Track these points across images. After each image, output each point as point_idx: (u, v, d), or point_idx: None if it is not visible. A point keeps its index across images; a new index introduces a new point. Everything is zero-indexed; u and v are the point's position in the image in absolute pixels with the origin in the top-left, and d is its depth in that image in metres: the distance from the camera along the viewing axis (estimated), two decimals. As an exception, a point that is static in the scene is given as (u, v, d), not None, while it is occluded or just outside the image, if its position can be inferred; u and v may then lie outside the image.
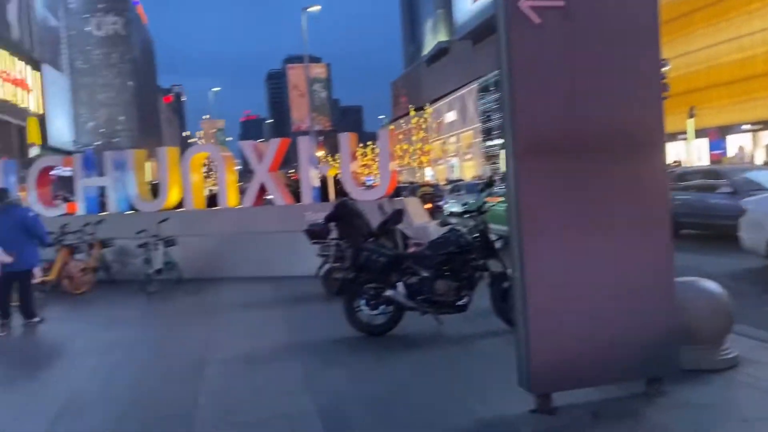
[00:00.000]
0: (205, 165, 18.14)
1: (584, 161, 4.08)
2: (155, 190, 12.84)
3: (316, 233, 9.23)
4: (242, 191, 13.32)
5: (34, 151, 47.76)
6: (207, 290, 10.18)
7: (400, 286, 6.43)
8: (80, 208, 12.78)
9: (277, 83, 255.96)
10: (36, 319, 8.16)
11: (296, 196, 12.12)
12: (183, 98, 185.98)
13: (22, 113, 48.55)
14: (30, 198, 12.97)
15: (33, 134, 50.54)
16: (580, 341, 4.11)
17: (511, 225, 4.11)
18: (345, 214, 9.06)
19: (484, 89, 65.00)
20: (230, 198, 12.19)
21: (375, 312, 6.48)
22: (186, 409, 4.63)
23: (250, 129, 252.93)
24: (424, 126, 75.15)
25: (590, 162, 4.08)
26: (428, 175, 75.56)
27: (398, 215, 9.16)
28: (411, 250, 8.70)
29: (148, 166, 14.43)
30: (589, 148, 4.07)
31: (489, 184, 9.99)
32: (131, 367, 5.93)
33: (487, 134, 64.42)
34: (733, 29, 40.02)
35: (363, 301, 6.52)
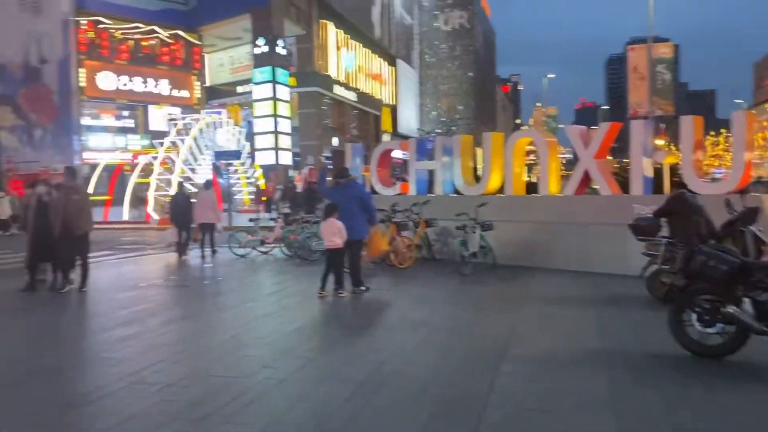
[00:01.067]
0: (532, 153, 17.84)
1: None
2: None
3: (642, 228, 8.19)
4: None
5: (385, 138, 54.23)
6: (519, 278, 9.92)
7: (748, 302, 5.19)
8: (411, 188, 13.73)
9: (616, 68, 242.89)
10: (362, 288, 8.93)
11: (625, 186, 11.03)
12: (520, 87, 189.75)
13: (378, 104, 55.36)
14: (372, 177, 14.41)
15: (386, 122, 57.41)
16: None
17: None
18: (680, 208, 7.84)
19: None
20: (551, 185, 11.68)
21: (710, 330, 5.36)
22: (476, 404, 4.38)
23: (585, 116, 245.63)
24: (797, 111, 62.69)
25: None
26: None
27: (751, 214, 7.57)
28: (766, 258, 7.11)
29: (478, 152, 14.73)
30: None
31: None
32: (434, 348, 5.96)
33: None
34: None
35: (694, 315, 5.45)
